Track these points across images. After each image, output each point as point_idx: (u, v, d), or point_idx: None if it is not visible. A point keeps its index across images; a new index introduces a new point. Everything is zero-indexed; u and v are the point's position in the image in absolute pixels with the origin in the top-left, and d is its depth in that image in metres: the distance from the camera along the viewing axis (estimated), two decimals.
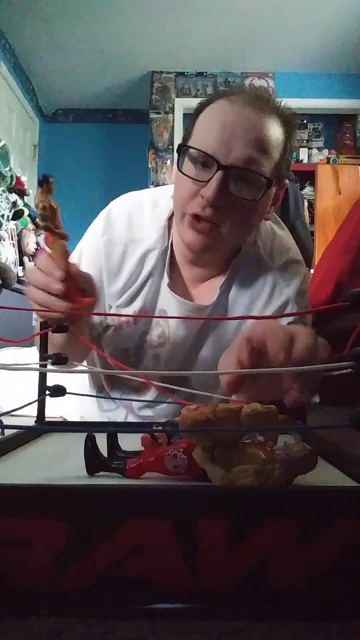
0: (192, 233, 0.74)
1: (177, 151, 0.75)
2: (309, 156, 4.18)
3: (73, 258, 0.88)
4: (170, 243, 0.83)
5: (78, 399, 0.94)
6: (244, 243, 0.83)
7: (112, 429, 0.50)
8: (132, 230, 0.84)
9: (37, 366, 0.55)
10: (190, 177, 0.72)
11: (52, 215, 0.55)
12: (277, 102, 0.76)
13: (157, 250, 0.83)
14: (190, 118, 0.79)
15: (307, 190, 3.94)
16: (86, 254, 0.87)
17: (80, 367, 0.72)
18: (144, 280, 0.83)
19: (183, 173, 0.73)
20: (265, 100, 0.74)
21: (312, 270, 1.71)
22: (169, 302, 0.83)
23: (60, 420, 0.93)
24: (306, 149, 4.22)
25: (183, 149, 0.74)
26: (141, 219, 0.85)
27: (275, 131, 0.73)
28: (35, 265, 0.59)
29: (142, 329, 0.84)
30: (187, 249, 0.79)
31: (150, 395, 0.87)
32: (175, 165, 0.79)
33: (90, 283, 0.62)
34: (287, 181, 0.82)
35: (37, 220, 0.57)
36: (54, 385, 0.52)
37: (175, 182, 0.78)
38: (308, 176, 3.84)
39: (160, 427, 0.49)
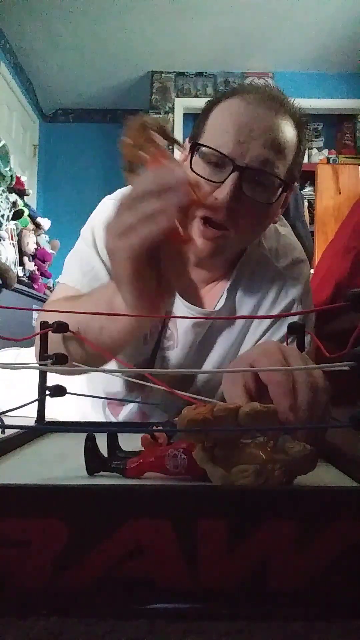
0: (202, 240, 0.72)
1: (191, 150, 0.72)
2: (309, 156, 4.18)
3: (84, 240, 0.83)
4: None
5: (77, 404, 0.94)
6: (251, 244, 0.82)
7: (112, 429, 0.50)
8: None
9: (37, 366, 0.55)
10: (203, 177, 0.69)
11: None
12: (291, 102, 0.74)
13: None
14: (200, 115, 0.76)
15: (307, 190, 3.94)
16: (99, 234, 0.81)
17: (81, 366, 0.72)
18: None
19: (195, 172, 0.70)
20: (279, 100, 0.72)
21: (312, 270, 1.71)
22: (176, 307, 0.82)
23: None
24: (306, 149, 4.23)
25: (197, 148, 0.71)
26: None
27: (289, 132, 0.71)
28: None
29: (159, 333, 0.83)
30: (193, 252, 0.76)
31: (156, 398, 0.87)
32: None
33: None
34: (296, 184, 0.81)
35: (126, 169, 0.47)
36: (54, 385, 0.52)
37: None
38: (308, 176, 3.84)
39: (160, 427, 0.49)
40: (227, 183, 0.67)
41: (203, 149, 0.70)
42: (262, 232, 0.81)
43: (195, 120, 0.79)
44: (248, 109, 0.69)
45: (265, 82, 0.75)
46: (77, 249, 0.85)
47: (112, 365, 0.73)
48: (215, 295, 0.83)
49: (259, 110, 0.69)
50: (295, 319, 0.78)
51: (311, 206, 3.81)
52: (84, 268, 0.81)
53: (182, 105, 4.16)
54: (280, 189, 0.70)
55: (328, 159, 4.03)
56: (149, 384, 0.52)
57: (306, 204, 3.36)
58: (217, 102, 0.73)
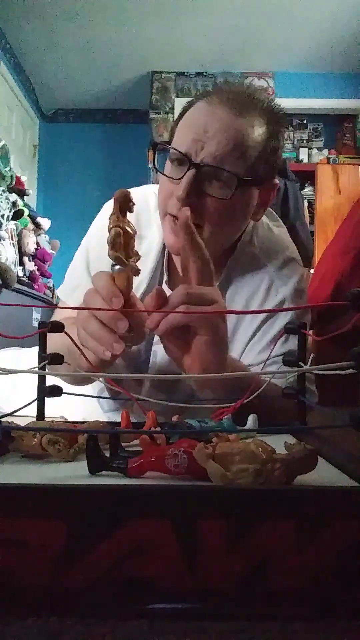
0: (172, 236, 0.74)
1: (153, 149, 0.78)
2: (309, 156, 4.19)
3: (80, 257, 0.89)
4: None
5: (80, 400, 0.94)
6: (231, 243, 0.82)
7: (112, 429, 0.50)
8: (139, 227, 0.84)
9: (36, 368, 0.55)
10: (165, 175, 0.73)
11: (126, 243, 0.49)
12: (262, 99, 0.76)
13: (158, 247, 0.83)
14: (175, 120, 0.80)
15: (307, 190, 3.94)
16: (93, 249, 0.87)
17: (80, 372, 0.72)
18: (148, 277, 0.83)
19: (158, 170, 0.75)
20: (245, 97, 0.74)
21: (312, 270, 1.71)
22: None
23: (61, 420, 0.93)
24: (306, 149, 4.23)
25: (159, 148, 0.77)
26: (148, 216, 0.86)
27: (252, 130, 0.72)
28: (92, 287, 0.55)
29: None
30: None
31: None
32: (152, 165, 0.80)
33: (142, 325, 0.56)
34: (276, 182, 0.82)
35: (108, 248, 0.50)
36: (50, 386, 0.52)
37: (159, 183, 0.78)
38: (308, 176, 3.84)
39: (158, 428, 0.49)
40: (183, 180, 0.70)
41: (171, 150, 0.74)
42: (236, 230, 0.81)
43: None
44: (207, 110, 0.72)
45: (268, 84, 0.79)
46: (73, 262, 0.92)
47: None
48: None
49: (217, 110, 0.71)
50: (288, 318, 0.78)
51: (311, 206, 3.81)
52: (75, 285, 0.88)
53: (182, 105, 4.16)
54: (236, 185, 0.71)
55: (328, 159, 4.03)
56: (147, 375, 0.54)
57: (306, 204, 3.35)
58: (190, 106, 0.77)
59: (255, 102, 0.74)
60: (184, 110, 0.77)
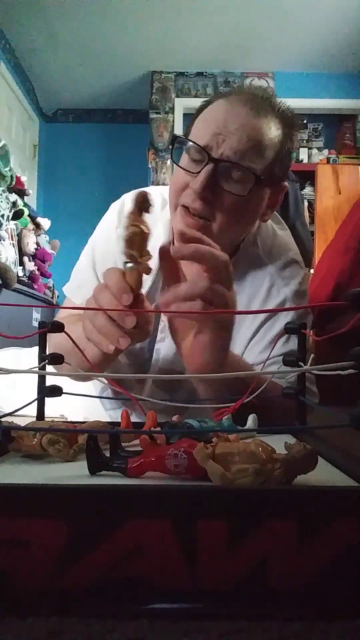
0: (182, 226, 0.75)
1: (172, 142, 0.79)
2: (309, 156, 4.18)
3: (86, 256, 0.91)
4: (172, 239, 0.84)
5: (81, 399, 0.94)
6: (238, 241, 0.83)
7: (112, 430, 0.50)
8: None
9: (36, 368, 0.55)
10: (183, 168, 0.74)
11: (141, 243, 0.50)
12: (278, 102, 0.77)
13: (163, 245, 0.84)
14: (191, 118, 0.81)
15: (307, 190, 3.94)
16: (100, 248, 0.88)
17: (80, 372, 0.72)
18: (153, 275, 0.83)
19: (177, 164, 0.76)
20: (263, 99, 0.75)
21: (312, 270, 1.71)
22: None
23: (62, 419, 0.93)
24: (306, 149, 4.23)
25: (178, 141, 0.77)
26: (153, 216, 0.86)
27: (270, 131, 0.74)
28: (102, 282, 0.56)
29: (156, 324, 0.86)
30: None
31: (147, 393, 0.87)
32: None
33: (148, 323, 0.57)
34: (286, 184, 0.83)
35: (123, 246, 0.52)
36: (50, 386, 0.52)
37: (173, 175, 0.80)
38: (308, 176, 3.84)
39: (158, 428, 0.49)
40: (201, 173, 0.70)
41: (189, 144, 0.74)
42: (245, 228, 0.81)
43: None
44: (228, 108, 0.73)
45: (269, 84, 0.81)
46: (80, 261, 0.93)
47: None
48: None
49: (238, 109, 0.73)
50: (289, 318, 0.78)
51: (311, 206, 3.81)
52: (81, 283, 0.90)
53: (182, 105, 4.17)
54: (253, 183, 0.72)
55: (328, 159, 4.03)
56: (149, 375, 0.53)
57: (306, 204, 3.36)
58: (207, 105, 0.78)
59: (272, 105, 0.76)
60: (201, 108, 0.78)
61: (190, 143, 0.73)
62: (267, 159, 0.74)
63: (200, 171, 0.71)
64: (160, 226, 0.86)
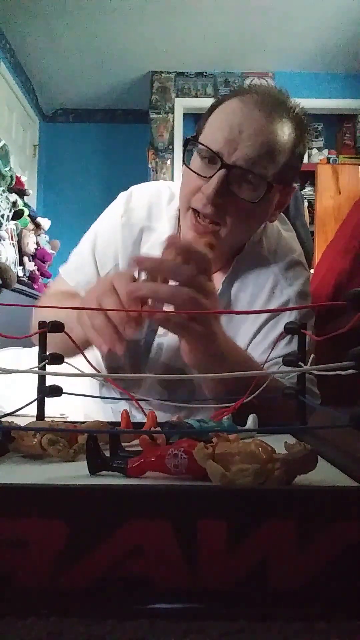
0: (190, 231, 0.76)
1: (184, 145, 0.77)
2: (309, 156, 4.18)
3: (88, 240, 0.91)
4: (178, 235, 0.85)
5: (81, 398, 0.94)
6: (244, 242, 0.83)
7: (112, 429, 0.50)
8: (150, 219, 0.87)
9: (36, 367, 0.55)
10: (194, 172, 0.73)
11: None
12: (292, 103, 0.77)
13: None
14: (203, 115, 0.80)
15: (307, 190, 3.94)
16: (103, 234, 0.88)
17: (76, 371, 0.72)
18: None
19: (189, 167, 0.75)
20: (278, 101, 0.74)
21: (312, 270, 1.71)
22: None
23: (62, 419, 0.93)
24: (306, 150, 4.22)
25: (191, 143, 0.76)
26: (159, 209, 0.88)
27: (283, 135, 0.73)
28: (109, 283, 0.58)
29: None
30: None
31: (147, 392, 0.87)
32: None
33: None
34: (295, 185, 0.83)
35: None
36: (50, 385, 0.52)
37: (183, 175, 0.79)
38: (308, 176, 3.84)
39: (158, 428, 0.49)
40: (214, 179, 0.70)
41: (200, 146, 0.73)
42: (253, 231, 0.82)
43: (195, 120, 0.83)
44: (243, 110, 0.72)
45: (269, 84, 0.80)
46: (80, 244, 0.92)
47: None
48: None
49: (252, 112, 0.71)
50: (292, 319, 0.78)
51: (311, 206, 3.80)
52: (79, 266, 0.89)
53: (182, 105, 4.16)
54: (265, 189, 0.72)
55: (328, 159, 4.03)
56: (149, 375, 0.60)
57: (306, 204, 3.35)
58: (220, 103, 0.76)
59: (287, 108, 0.75)
60: (214, 106, 0.77)
61: (202, 145, 0.73)
62: (279, 163, 0.73)
63: (212, 176, 0.70)
64: (165, 219, 0.86)
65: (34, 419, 0.55)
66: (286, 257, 0.86)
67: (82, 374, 0.61)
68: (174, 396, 0.84)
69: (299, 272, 0.86)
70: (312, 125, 4.30)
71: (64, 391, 0.52)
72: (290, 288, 0.83)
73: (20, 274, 2.51)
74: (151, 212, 0.87)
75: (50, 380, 0.54)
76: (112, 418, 0.85)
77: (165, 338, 0.85)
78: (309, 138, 0.81)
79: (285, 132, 0.73)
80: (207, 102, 0.87)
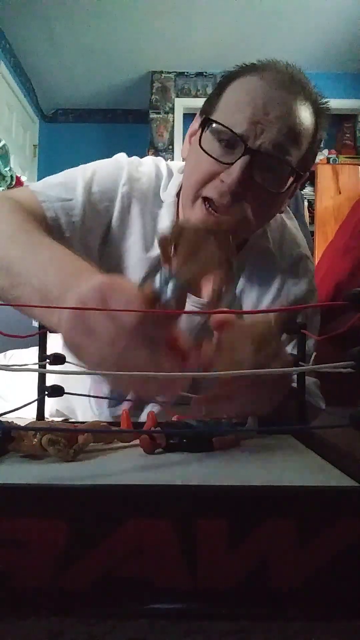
0: (202, 223, 0.67)
1: (202, 125, 0.68)
2: None
3: (80, 176, 0.76)
4: (176, 221, 0.78)
5: (80, 402, 0.94)
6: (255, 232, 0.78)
7: (111, 430, 0.50)
8: (145, 203, 0.77)
9: (36, 366, 0.55)
10: (212, 157, 0.65)
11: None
12: (312, 87, 0.70)
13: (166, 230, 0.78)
14: (214, 90, 0.71)
15: (307, 190, 3.93)
16: (99, 181, 0.76)
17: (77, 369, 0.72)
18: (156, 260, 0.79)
19: (204, 151, 0.66)
20: (301, 83, 0.68)
21: None
22: None
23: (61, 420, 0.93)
24: (323, 138, 4.22)
25: (208, 124, 0.67)
26: (157, 192, 0.79)
27: (307, 120, 0.67)
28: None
29: None
30: None
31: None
32: (188, 139, 0.72)
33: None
34: (307, 174, 0.77)
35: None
36: (52, 385, 0.52)
37: (191, 158, 0.71)
38: (308, 176, 3.84)
39: (158, 428, 0.49)
40: (236, 166, 0.63)
41: (215, 125, 0.66)
42: (266, 222, 0.77)
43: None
44: (267, 89, 0.64)
45: (286, 61, 0.70)
46: (67, 172, 0.79)
47: None
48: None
49: (278, 92, 0.64)
50: (301, 318, 0.77)
51: (311, 206, 3.81)
52: (62, 189, 0.74)
53: (182, 105, 4.17)
54: (292, 178, 0.67)
55: (328, 159, 4.03)
56: (149, 374, 0.49)
57: (306, 204, 3.36)
58: (234, 78, 0.68)
59: (308, 92, 0.68)
60: (226, 82, 0.68)
61: (222, 126, 0.64)
62: (302, 150, 0.67)
63: (234, 162, 0.63)
64: (164, 208, 0.78)
65: (34, 419, 0.55)
66: (292, 252, 0.82)
67: (84, 372, 0.61)
68: (177, 398, 0.83)
69: (306, 268, 0.83)
70: None
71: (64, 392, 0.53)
72: (296, 287, 0.80)
73: None
74: (150, 194, 0.77)
75: (51, 382, 0.54)
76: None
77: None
78: (326, 123, 0.73)
79: (308, 116, 0.67)
80: None
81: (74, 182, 0.75)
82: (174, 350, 0.40)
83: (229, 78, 0.69)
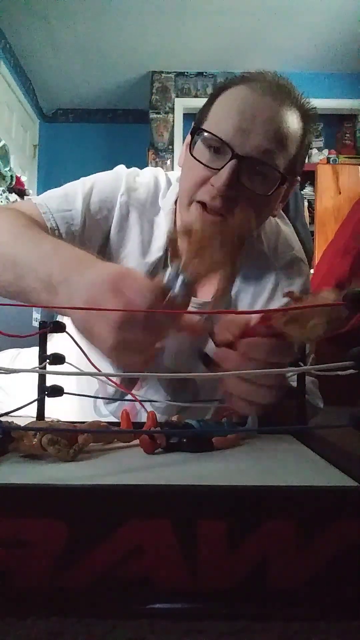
0: (198, 224, 0.70)
1: (191, 133, 0.73)
2: (309, 156, 4.17)
3: (79, 188, 0.82)
4: (174, 229, 0.81)
5: (75, 405, 0.94)
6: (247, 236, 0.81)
7: (111, 429, 0.50)
8: (145, 211, 0.82)
9: (36, 367, 0.55)
10: (201, 163, 0.69)
11: None
12: (298, 94, 0.73)
13: (164, 237, 0.80)
14: (206, 101, 0.76)
15: (307, 190, 3.94)
16: (100, 194, 0.81)
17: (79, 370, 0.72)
18: (155, 264, 0.81)
19: (195, 157, 0.70)
20: (286, 90, 0.71)
21: (312, 271, 1.71)
22: None
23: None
24: (311, 142, 4.22)
25: (198, 132, 0.71)
26: (155, 201, 0.84)
27: (293, 125, 0.70)
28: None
29: None
30: None
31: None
32: (184, 149, 0.76)
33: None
34: (298, 178, 0.80)
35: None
36: (52, 385, 0.52)
37: (185, 166, 0.75)
38: (308, 176, 3.84)
39: (158, 428, 0.49)
40: (224, 171, 0.67)
41: (205, 134, 0.69)
42: (260, 224, 0.80)
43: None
44: (253, 97, 0.68)
45: (274, 71, 0.74)
46: (68, 185, 0.85)
47: None
48: (211, 285, 0.83)
49: (263, 99, 0.68)
50: None
51: (311, 206, 3.81)
52: (63, 201, 0.79)
53: (182, 105, 4.16)
54: (279, 182, 0.70)
55: (328, 159, 4.03)
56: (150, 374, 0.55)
57: (306, 204, 3.36)
58: (224, 89, 0.72)
59: (294, 97, 0.72)
60: (217, 93, 0.73)
61: (210, 134, 0.68)
62: (290, 154, 0.71)
63: (222, 167, 0.67)
64: (162, 215, 0.82)
65: (34, 419, 0.55)
66: (286, 255, 0.84)
67: (82, 373, 0.61)
68: (178, 398, 0.83)
69: (300, 270, 0.85)
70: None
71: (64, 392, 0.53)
72: (291, 287, 0.82)
73: None
74: (148, 203, 0.82)
75: (50, 382, 0.54)
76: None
77: (166, 340, 0.83)
78: (315, 129, 0.77)
79: (295, 121, 0.70)
80: None
81: (74, 194, 0.81)
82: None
83: (219, 89, 0.73)
